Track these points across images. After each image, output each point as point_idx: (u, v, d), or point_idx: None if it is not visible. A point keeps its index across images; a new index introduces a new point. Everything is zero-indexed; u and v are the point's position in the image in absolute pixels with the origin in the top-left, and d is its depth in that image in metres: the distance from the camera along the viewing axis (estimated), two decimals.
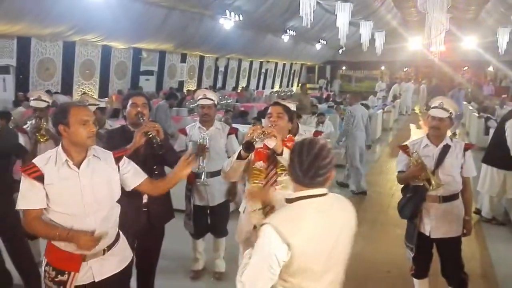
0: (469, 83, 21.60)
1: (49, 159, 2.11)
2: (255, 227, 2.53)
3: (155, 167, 2.91)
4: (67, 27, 10.30)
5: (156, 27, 12.23)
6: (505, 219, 5.37)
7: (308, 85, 28.24)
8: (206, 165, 3.55)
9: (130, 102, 2.92)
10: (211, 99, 3.64)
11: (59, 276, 2.12)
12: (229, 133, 3.75)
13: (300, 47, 21.41)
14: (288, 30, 16.63)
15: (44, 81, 11.64)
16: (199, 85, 17.68)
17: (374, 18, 17.53)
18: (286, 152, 2.42)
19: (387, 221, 5.36)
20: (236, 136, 3.86)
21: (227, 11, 12.40)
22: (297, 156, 1.68)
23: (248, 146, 2.39)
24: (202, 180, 3.43)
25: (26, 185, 2.07)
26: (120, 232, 2.33)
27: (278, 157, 2.48)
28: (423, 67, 25.06)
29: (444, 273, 3.18)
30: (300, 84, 10.45)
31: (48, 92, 10.51)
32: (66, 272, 2.12)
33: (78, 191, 2.09)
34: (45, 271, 2.18)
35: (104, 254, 2.19)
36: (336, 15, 14.70)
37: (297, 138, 3.56)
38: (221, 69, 19.70)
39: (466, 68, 24.52)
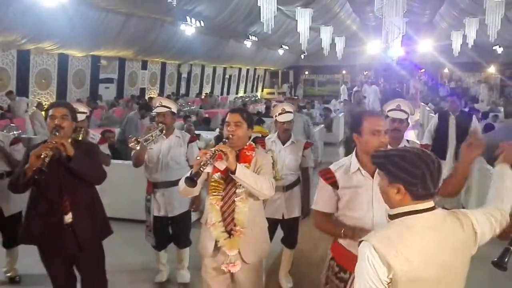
0: (425, 85, 22.39)
1: (342, 166, 2.20)
2: (214, 251, 2.47)
3: (77, 183, 2.67)
4: (20, 35, 9.89)
5: (114, 34, 11.96)
6: None
7: (272, 90, 28.45)
8: (165, 174, 3.51)
9: (49, 113, 2.68)
10: (167, 107, 3.55)
11: (341, 273, 2.15)
12: (189, 141, 3.67)
13: (263, 53, 21.53)
14: (250, 36, 16.69)
15: None
16: (161, 92, 17.41)
17: (334, 23, 17.87)
18: (240, 167, 2.33)
19: None
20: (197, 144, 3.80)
21: (187, 17, 12.30)
22: (426, 168, 1.46)
23: (191, 181, 2.21)
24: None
25: (323, 188, 2.23)
26: None
27: (232, 176, 2.34)
28: (382, 70, 25.76)
29: None
30: (353, 93, 9.95)
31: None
32: (348, 272, 2.11)
33: (370, 198, 2.10)
34: (329, 264, 2.23)
35: None
36: (296, 20, 14.90)
37: (287, 145, 3.58)
38: (184, 75, 19.50)
39: (423, 70, 25.40)
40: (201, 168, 2.22)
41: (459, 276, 1.55)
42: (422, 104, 16.06)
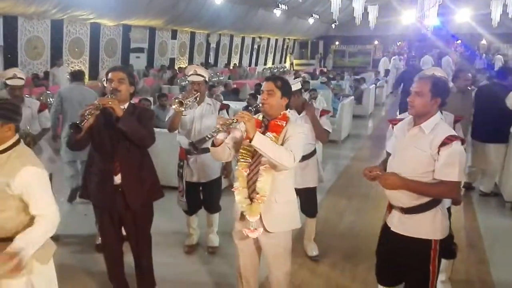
0: (461, 57, 21.53)
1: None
2: (242, 215, 2.53)
3: (128, 146, 2.80)
4: (52, 4, 10.05)
5: (145, 3, 12.00)
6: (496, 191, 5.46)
7: (301, 61, 27.92)
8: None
9: (108, 77, 2.81)
10: (202, 76, 3.61)
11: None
12: (220, 109, 3.73)
13: (293, 22, 21.13)
14: (280, 4, 16.38)
15: (33, 60, 11.45)
16: (190, 62, 17.46)
17: None
18: (258, 136, 2.30)
19: (379, 195, 5.42)
20: (227, 112, 3.84)
21: None
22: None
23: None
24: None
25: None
26: None
27: (248, 143, 2.33)
28: (416, 41, 24.90)
29: None
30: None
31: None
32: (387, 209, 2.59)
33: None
34: None
35: (402, 213, 2.44)
36: None
37: (302, 115, 3.55)
38: (213, 45, 19.45)
39: (459, 41, 24.40)
40: (211, 134, 2.36)
41: None
42: None
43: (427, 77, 2.40)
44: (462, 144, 2.33)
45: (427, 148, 2.28)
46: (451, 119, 3.10)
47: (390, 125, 2.73)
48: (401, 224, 2.43)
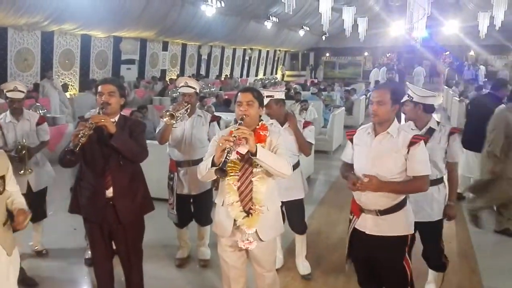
0: (450, 67, 21.83)
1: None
2: (234, 230, 2.51)
3: (121, 162, 2.77)
4: (43, 16, 10.01)
5: (136, 14, 12.00)
6: None
7: (292, 72, 28.12)
8: (189, 152, 3.60)
9: (98, 90, 2.76)
10: (193, 87, 3.60)
11: (350, 215, 2.70)
12: (211, 120, 3.72)
13: (284, 34, 21.30)
14: (271, 17, 16.52)
15: (23, 72, 11.36)
16: (182, 74, 17.46)
17: (356, 4, 17.52)
18: (261, 149, 2.33)
19: None
20: (218, 124, 3.83)
21: None
22: None
23: (222, 172, 2.23)
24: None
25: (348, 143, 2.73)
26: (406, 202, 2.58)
27: (253, 158, 2.35)
28: (405, 53, 25.24)
29: (425, 255, 3.25)
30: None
31: None
32: (353, 214, 2.66)
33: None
34: None
35: (377, 215, 2.51)
36: (318, 0, 14.65)
37: (285, 126, 3.45)
38: (204, 57, 19.49)
39: (447, 53, 24.75)
40: (227, 157, 2.22)
41: None
42: (446, 87, 15.75)
43: (387, 87, 2.60)
44: (426, 143, 2.56)
45: (399, 149, 2.46)
46: (447, 130, 3.09)
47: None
48: (376, 226, 2.53)
